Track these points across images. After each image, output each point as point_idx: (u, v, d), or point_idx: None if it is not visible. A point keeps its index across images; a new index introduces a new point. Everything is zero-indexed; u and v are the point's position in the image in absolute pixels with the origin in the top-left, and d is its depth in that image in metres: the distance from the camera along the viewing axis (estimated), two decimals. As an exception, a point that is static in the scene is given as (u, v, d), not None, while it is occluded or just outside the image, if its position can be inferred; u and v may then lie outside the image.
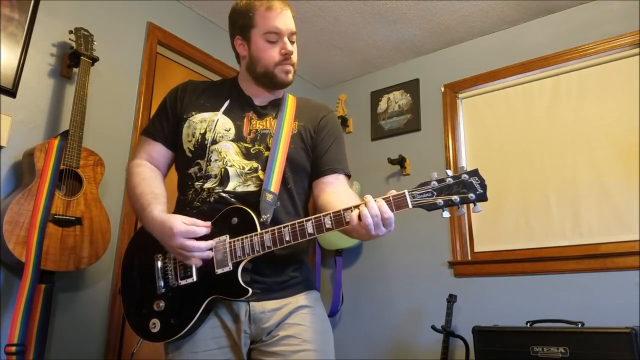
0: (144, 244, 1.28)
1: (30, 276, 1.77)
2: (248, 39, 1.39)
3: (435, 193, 1.11)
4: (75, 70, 2.18)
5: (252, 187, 1.32)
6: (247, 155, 1.35)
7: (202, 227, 1.22)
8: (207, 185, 1.32)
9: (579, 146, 2.72)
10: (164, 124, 1.43)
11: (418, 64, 3.44)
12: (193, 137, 1.37)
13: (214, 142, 1.34)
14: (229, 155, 1.34)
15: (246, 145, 1.35)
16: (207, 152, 1.34)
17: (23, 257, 1.78)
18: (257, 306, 1.26)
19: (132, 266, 1.35)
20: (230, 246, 1.22)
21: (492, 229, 2.92)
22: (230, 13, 1.45)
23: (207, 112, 1.39)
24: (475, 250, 2.97)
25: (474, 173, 1.11)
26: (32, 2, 2.11)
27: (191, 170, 1.36)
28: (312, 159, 1.42)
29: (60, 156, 1.92)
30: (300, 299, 1.32)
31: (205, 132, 1.35)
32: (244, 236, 1.21)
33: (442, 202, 1.10)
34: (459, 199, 1.10)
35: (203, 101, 1.42)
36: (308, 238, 1.17)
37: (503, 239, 2.87)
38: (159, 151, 1.43)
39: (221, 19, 2.95)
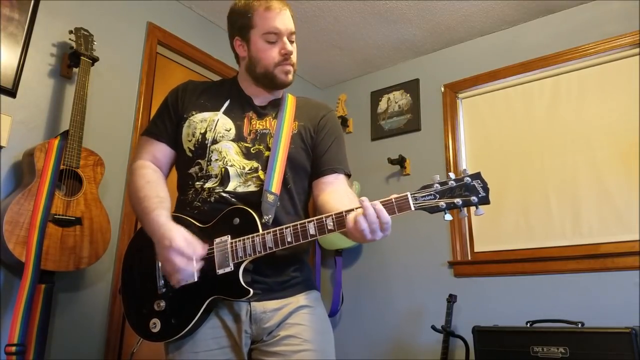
0: (145, 244, 1.28)
1: (30, 276, 1.77)
2: (247, 40, 1.39)
3: (437, 196, 1.11)
4: (75, 70, 2.18)
5: (252, 187, 1.31)
6: (247, 155, 1.34)
7: (199, 249, 1.20)
8: (208, 185, 1.32)
9: (579, 146, 2.72)
10: (166, 123, 1.42)
11: (418, 64, 3.44)
12: (193, 136, 1.37)
13: (215, 141, 1.34)
14: (229, 155, 1.33)
15: (246, 145, 1.35)
16: (208, 151, 1.34)
17: (23, 257, 1.78)
18: (258, 306, 1.26)
19: (133, 266, 1.35)
20: (231, 246, 1.22)
21: (492, 229, 2.92)
22: (229, 13, 1.44)
23: (207, 112, 1.39)
24: (475, 250, 2.97)
25: (477, 176, 1.11)
26: (32, 2, 2.11)
27: (191, 170, 1.36)
28: (312, 159, 1.42)
29: (60, 156, 1.92)
30: (301, 299, 1.32)
31: (205, 132, 1.35)
32: (246, 237, 1.21)
33: (445, 205, 1.10)
34: (461, 202, 1.10)
35: (203, 101, 1.42)
36: (310, 239, 1.17)
37: (503, 239, 2.87)
38: (162, 151, 1.42)
39: (221, 19, 2.95)
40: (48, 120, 2.13)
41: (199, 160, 1.35)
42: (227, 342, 1.26)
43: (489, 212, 3.06)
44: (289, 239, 1.17)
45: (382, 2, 2.85)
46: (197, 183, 1.34)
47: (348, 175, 1.45)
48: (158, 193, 1.31)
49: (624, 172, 2.56)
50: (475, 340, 2.36)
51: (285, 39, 1.37)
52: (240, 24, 1.40)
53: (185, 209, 1.33)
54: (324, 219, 1.15)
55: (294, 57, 1.40)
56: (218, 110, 1.39)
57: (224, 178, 1.32)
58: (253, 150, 1.35)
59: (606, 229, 2.56)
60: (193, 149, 1.36)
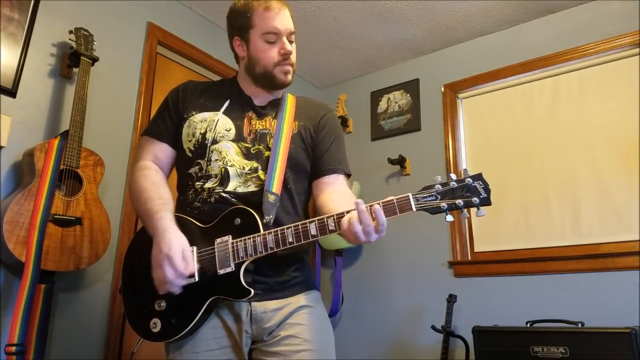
0: (146, 244, 1.28)
1: (30, 276, 1.77)
2: (247, 40, 1.39)
3: (439, 197, 1.11)
4: (75, 70, 2.18)
5: (252, 188, 1.31)
6: (247, 155, 1.34)
7: (190, 268, 1.19)
8: (207, 185, 1.32)
9: (579, 146, 2.72)
10: (167, 123, 1.42)
11: (418, 64, 3.44)
12: (193, 136, 1.37)
13: (214, 142, 1.34)
14: (229, 155, 1.33)
15: (246, 145, 1.35)
16: (208, 152, 1.34)
17: (23, 257, 1.78)
18: (259, 306, 1.26)
19: (133, 266, 1.35)
20: (232, 247, 1.22)
21: (492, 229, 2.92)
22: (228, 13, 1.44)
23: (207, 112, 1.39)
24: (475, 250, 2.97)
25: (478, 177, 1.11)
26: (32, 2, 2.11)
27: (191, 170, 1.36)
28: (312, 159, 1.42)
29: (60, 156, 1.92)
30: (301, 298, 1.32)
31: (205, 132, 1.35)
32: (247, 237, 1.21)
33: (446, 206, 1.10)
34: (462, 203, 1.10)
35: (203, 101, 1.42)
36: (311, 239, 1.17)
37: (503, 239, 2.87)
38: (164, 151, 1.41)
39: (221, 19, 2.94)
40: (48, 120, 2.13)
41: (199, 161, 1.35)
42: (228, 342, 1.26)
43: (489, 212, 3.02)
44: (290, 239, 1.17)
45: (382, 2, 2.85)
46: (197, 183, 1.34)
47: (348, 175, 1.45)
48: (161, 195, 1.30)
49: (624, 172, 2.56)
50: (475, 340, 2.36)
51: (284, 38, 1.36)
52: (239, 24, 1.39)
53: (186, 209, 1.33)
54: (325, 220, 1.15)
55: (293, 57, 1.40)
56: (218, 110, 1.39)
57: (224, 178, 1.32)
58: (253, 150, 1.35)
59: (606, 229, 2.56)
60: (193, 149, 1.36)
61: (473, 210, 1.12)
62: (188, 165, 1.37)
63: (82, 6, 2.34)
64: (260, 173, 1.33)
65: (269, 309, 1.27)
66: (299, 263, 1.36)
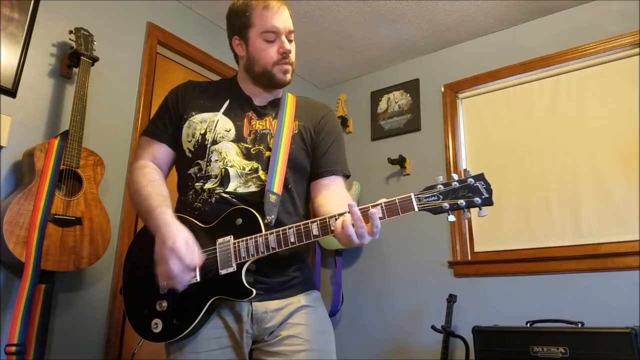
0: (147, 243, 1.28)
1: (30, 276, 1.76)
2: (246, 39, 1.39)
3: (441, 197, 1.11)
4: (75, 70, 2.18)
5: (253, 188, 1.31)
6: (247, 155, 1.34)
7: (197, 259, 1.19)
8: (208, 185, 1.32)
9: (579, 146, 2.72)
10: (166, 124, 1.42)
11: (418, 64, 3.44)
12: (193, 137, 1.37)
13: (214, 142, 1.34)
14: (229, 156, 1.33)
15: (246, 145, 1.35)
16: (208, 152, 1.34)
17: (23, 257, 1.78)
18: (260, 306, 1.26)
19: (134, 266, 1.35)
20: (234, 247, 1.22)
21: (492, 229, 2.92)
22: (227, 13, 1.44)
23: (207, 113, 1.39)
24: (475, 250, 2.97)
25: (480, 177, 1.11)
26: (32, 2, 2.11)
27: (191, 171, 1.36)
28: (312, 160, 1.42)
29: (60, 156, 1.92)
30: (302, 298, 1.32)
31: (205, 133, 1.35)
32: (249, 237, 1.21)
33: (448, 206, 1.11)
34: (464, 203, 1.10)
35: (203, 101, 1.42)
36: (313, 240, 1.17)
37: (503, 239, 2.87)
38: (162, 152, 1.41)
39: (221, 19, 2.93)
40: (48, 120, 2.13)
41: (199, 161, 1.35)
42: (229, 343, 1.26)
43: (489, 212, 3.03)
44: (292, 239, 1.17)
45: (382, 2, 2.85)
46: (197, 184, 1.34)
47: (347, 177, 1.45)
48: (160, 192, 1.31)
49: (624, 172, 2.56)
50: (475, 340, 2.36)
51: (283, 37, 1.36)
52: (238, 23, 1.39)
53: (186, 210, 1.33)
54: (327, 220, 1.15)
55: (292, 56, 1.40)
56: (218, 110, 1.39)
57: (224, 179, 1.32)
58: (253, 150, 1.35)
59: (606, 229, 2.56)
60: (193, 149, 1.36)
61: (474, 210, 1.12)
62: (188, 165, 1.37)
63: (82, 6, 2.34)
64: (261, 173, 1.33)
65: (270, 309, 1.27)
66: (300, 263, 1.36)
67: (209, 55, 2.95)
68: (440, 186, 1.12)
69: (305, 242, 1.17)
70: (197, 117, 1.38)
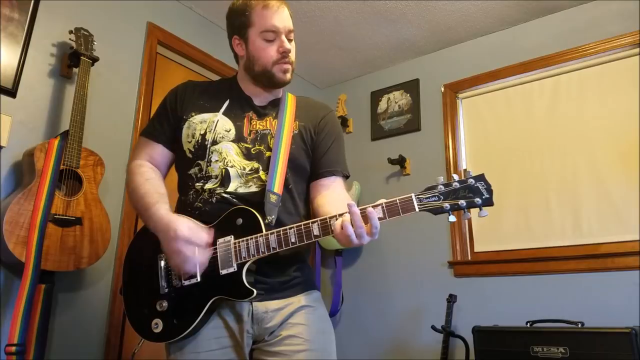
0: (147, 243, 1.28)
1: (30, 276, 1.76)
2: (245, 39, 1.39)
3: (441, 197, 1.11)
4: (75, 70, 2.18)
5: (254, 188, 1.32)
6: (247, 155, 1.34)
7: (205, 236, 1.21)
8: (208, 186, 1.32)
9: (579, 146, 2.72)
10: (164, 125, 1.42)
11: (418, 64, 3.44)
12: (193, 137, 1.37)
13: (215, 142, 1.34)
14: (229, 156, 1.33)
15: (247, 145, 1.35)
16: (208, 152, 1.34)
17: (23, 257, 1.78)
18: (260, 306, 1.26)
19: (134, 266, 1.35)
20: (235, 247, 1.22)
21: (492, 229, 2.92)
22: (227, 13, 1.45)
23: (207, 113, 1.39)
24: (475, 250, 2.97)
25: (480, 178, 1.12)
26: (32, 2, 2.11)
27: (191, 171, 1.36)
28: (312, 160, 1.42)
29: (60, 156, 1.92)
30: (302, 298, 1.32)
31: (205, 133, 1.35)
32: (249, 237, 1.21)
33: (449, 207, 1.11)
34: (465, 204, 1.11)
35: (203, 102, 1.42)
36: (314, 240, 1.17)
37: (503, 239, 2.87)
38: (159, 152, 1.42)
39: (221, 19, 2.93)
40: (48, 120, 2.13)
41: (199, 161, 1.35)
42: (229, 343, 1.26)
43: (489, 212, 3.04)
44: (292, 240, 1.17)
45: (382, 2, 2.85)
46: (197, 184, 1.34)
47: (346, 177, 1.45)
48: (157, 189, 1.31)
49: (624, 172, 2.56)
50: (475, 340, 2.36)
51: (283, 37, 1.36)
52: (238, 23, 1.39)
53: (187, 210, 1.33)
54: (328, 220, 1.16)
55: (292, 56, 1.40)
56: (217, 110, 1.39)
57: (225, 179, 1.32)
58: (253, 150, 1.35)
59: (606, 229, 2.56)
60: (193, 150, 1.36)
61: (475, 210, 1.12)
62: (188, 166, 1.37)
63: (82, 6, 2.34)
64: (262, 173, 1.33)
65: (271, 309, 1.27)
66: (300, 263, 1.36)
67: (209, 55, 2.95)
68: (441, 187, 1.12)
69: (305, 242, 1.17)
70: (197, 118, 1.38)
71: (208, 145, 1.34)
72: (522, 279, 2.70)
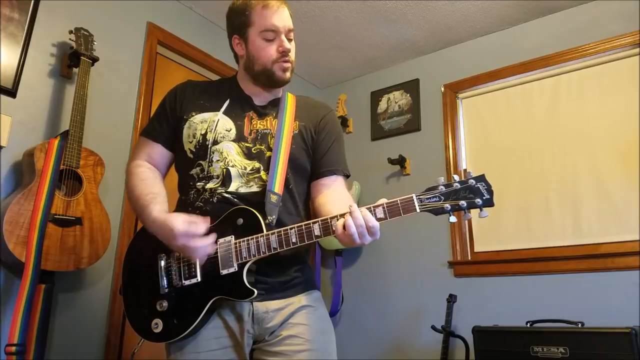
0: (146, 243, 1.28)
1: (30, 276, 1.76)
2: (245, 38, 1.39)
3: (442, 198, 1.12)
4: (75, 70, 2.18)
5: (255, 188, 1.32)
6: (248, 155, 1.34)
7: (202, 225, 1.20)
8: (209, 185, 1.32)
9: (579, 146, 2.72)
10: (163, 125, 1.42)
11: (418, 64, 3.44)
12: (194, 137, 1.36)
13: (215, 142, 1.34)
14: (230, 156, 1.33)
15: (247, 145, 1.35)
16: (209, 152, 1.34)
17: (23, 257, 1.78)
18: (261, 306, 1.26)
19: (134, 266, 1.35)
20: (235, 247, 1.22)
21: (492, 229, 2.92)
22: (227, 12, 1.45)
23: (207, 113, 1.39)
24: (475, 250, 2.97)
25: (481, 178, 1.12)
26: (32, 2, 2.11)
27: (193, 171, 1.36)
28: (312, 159, 1.42)
29: (60, 156, 1.92)
30: (303, 298, 1.32)
31: (206, 133, 1.35)
32: (250, 237, 1.21)
33: (450, 207, 1.11)
34: (466, 204, 1.11)
35: (203, 101, 1.42)
36: (315, 240, 1.17)
37: (503, 239, 2.87)
38: (158, 152, 1.42)
39: (221, 19, 2.93)
40: (48, 120, 2.13)
41: (200, 162, 1.35)
42: (229, 343, 1.26)
43: (489, 212, 3.04)
44: (293, 240, 1.17)
45: (382, 2, 2.85)
46: (199, 184, 1.34)
47: (347, 176, 1.45)
48: (151, 190, 1.31)
49: (624, 172, 2.56)
50: (475, 340, 2.36)
51: (283, 36, 1.36)
52: (238, 22, 1.40)
53: (187, 210, 1.33)
54: (329, 220, 1.16)
55: (292, 55, 1.40)
56: (218, 110, 1.39)
57: (226, 179, 1.32)
58: (254, 150, 1.35)
59: (606, 229, 2.56)
60: (194, 150, 1.36)
61: (475, 211, 1.12)
62: (189, 166, 1.37)
63: (82, 6, 2.34)
64: (262, 173, 1.33)
65: (271, 309, 1.27)
66: (301, 263, 1.36)
67: (209, 55, 2.95)
68: (442, 187, 1.13)
69: (307, 242, 1.17)
70: (197, 117, 1.38)
71: (209, 145, 1.34)
72: (522, 279, 2.70)
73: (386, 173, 3.36)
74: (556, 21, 2.91)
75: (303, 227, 1.17)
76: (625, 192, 2.54)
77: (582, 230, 2.62)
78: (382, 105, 3.52)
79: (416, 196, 1.12)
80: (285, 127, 1.38)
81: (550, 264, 2.62)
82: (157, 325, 1.24)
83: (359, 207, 1.13)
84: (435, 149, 3.18)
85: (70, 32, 2.14)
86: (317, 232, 1.16)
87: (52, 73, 2.17)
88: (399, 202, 1.12)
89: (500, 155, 2.98)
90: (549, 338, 2.15)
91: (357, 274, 3.33)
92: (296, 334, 1.26)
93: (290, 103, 1.45)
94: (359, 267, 3.34)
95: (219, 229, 1.26)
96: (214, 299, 1.21)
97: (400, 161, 3.24)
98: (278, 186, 1.30)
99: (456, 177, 1.13)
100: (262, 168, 1.33)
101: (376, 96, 3.57)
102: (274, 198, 1.28)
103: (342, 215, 1.14)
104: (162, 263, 1.28)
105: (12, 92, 2.01)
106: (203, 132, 1.35)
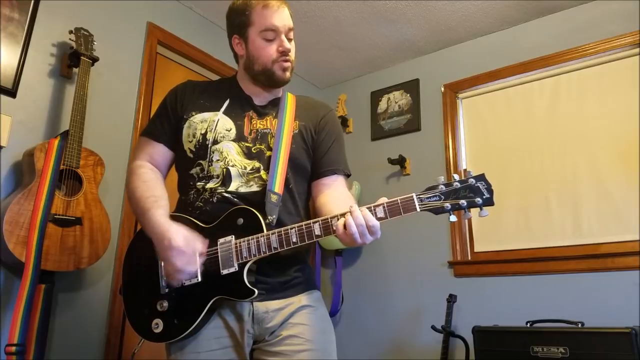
0: (147, 243, 1.28)
1: (30, 276, 1.76)
2: (245, 38, 1.39)
3: (442, 197, 1.12)
4: (75, 70, 2.18)
5: (255, 188, 1.32)
6: (248, 155, 1.34)
7: (200, 246, 1.20)
8: (209, 185, 1.32)
9: (579, 146, 2.72)
10: (165, 125, 1.42)
11: (418, 64, 3.44)
12: (194, 137, 1.36)
13: (215, 142, 1.34)
14: (230, 155, 1.33)
15: (247, 145, 1.35)
16: (209, 152, 1.34)
17: (23, 257, 1.78)
18: (261, 306, 1.26)
19: (134, 266, 1.35)
20: (236, 247, 1.22)
21: (492, 229, 2.92)
22: (227, 12, 1.45)
23: (207, 112, 1.39)
24: (475, 250, 2.97)
25: (481, 177, 1.12)
26: (32, 2, 2.11)
27: (193, 171, 1.36)
28: (313, 159, 1.42)
29: (60, 156, 1.92)
30: (303, 298, 1.32)
31: (206, 133, 1.35)
32: (250, 237, 1.21)
33: (450, 206, 1.12)
34: (466, 203, 1.11)
35: (203, 101, 1.42)
36: (315, 239, 1.17)
37: (503, 239, 2.87)
38: (160, 152, 1.42)
39: (221, 19, 2.93)
40: (48, 120, 2.13)
41: (200, 161, 1.35)
42: (230, 342, 1.26)
43: (489, 212, 3.03)
44: (294, 239, 1.18)
45: (382, 2, 2.85)
46: (199, 184, 1.34)
47: (347, 176, 1.45)
48: (153, 192, 1.31)
49: (624, 172, 2.56)
50: (475, 340, 2.36)
51: (283, 36, 1.36)
52: (238, 22, 1.40)
53: (187, 209, 1.33)
54: (329, 220, 1.16)
55: (292, 55, 1.40)
56: (218, 110, 1.39)
57: (226, 178, 1.32)
58: (254, 150, 1.35)
59: (606, 229, 2.56)
60: (194, 149, 1.36)
61: (475, 210, 1.12)
62: (189, 165, 1.37)
63: (82, 6, 2.34)
64: (263, 173, 1.33)
65: (271, 308, 1.27)
66: (301, 263, 1.37)
67: (209, 55, 2.95)
68: (442, 186, 1.13)
69: (307, 242, 1.17)
70: (198, 117, 1.38)
71: (209, 145, 1.34)
72: (522, 279, 2.70)
73: (386, 173, 3.36)
74: (556, 21, 2.91)
75: (303, 226, 1.17)
76: (625, 192, 2.54)
77: (582, 230, 2.62)
78: (382, 105, 3.52)
79: (416, 195, 1.12)
80: (285, 127, 1.38)
81: (550, 264, 2.62)
82: (158, 325, 1.24)
83: (359, 207, 1.13)
84: (435, 149, 3.18)
85: (70, 32, 2.14)
86: (317, 231, 1.16)
87: (52, 73, 2.17)
88: (399, 201, 1.12)
89: (500, 155, 2.98)
90: (549, 338, 2.15)
91: (357, 274, 3.33)
92: (296, 334, 1.26)
93: (290, 103, 1.45)
94: (359, 267, 3.34)
95: (219, 228, 1.26)
96: (214, 298, 1.21)
97: (400, 161, 3.24)
98: (278, 186, 1.30)
99: (456, 177, 1.13)
100: (262, 168, 1.33)
101: (376, 96, 3.57)
102: (274, 198, 1.29)
103: (343, 215, 1.14)
104: (163, 263, 1.28)
105: (12, 92, 2.01)
106: (203, 131, 1.35)
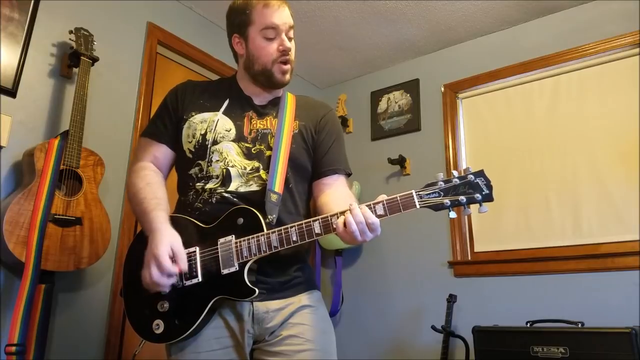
0: (146, 244, 1.28)
1: (30, 276, 1.76)
2: (245, 37, 1.39)
3: (442, 193, 1.12)
4: (75, 70, 2.18)
5: (254, 187, 1.32)
6: (248, 155, 1.34)
7: (176, 269, 1.19)
8: (209, 185, 1.32)
9: (579, 146, 2.72)
10: (166, 124, 1.42)
11: (418, 64, 3.44)
12: (193, 137, 1.36)
13: (215, 142, 1.34)
14: (230, 156, 1.33)
15: (247, 145, 1.35)
16: (208, 152, 1.34)
17: (23, 257, 1.78)
18: (261, 306, 1.26)
19: (134, 267, 1.34)
20: (236, 246, 1.22)
21: (492, 229, 2.92)
22: (227, 12, 1.45)
23: (207, 112, 1.39)
24: (475, 250, 2.97)
25: (480, 174, 1.13)
26: (32, 2, 2.11)
27: (192, 171, 1.36)
28: (313, 159, 1.42)
29: (60, 156, 1.92)
30: (303, 298, 1.32)
31: (205, 133, 1.35)
32: (250, 236, 1.21)
33: (449, 203, 1.12)
34: (465, 200, 1.11)
35: (203, 101, 1.42)
36: (315, 238, 1.17)
37: (503, 239, 2.87)
38: (163, 152, 1.41)
39: (221, 19, 2.93)
40: (48, 120, 2.13)
41: (200, 162, 1.35)
42: (230, 342, 1.26)
43: (489, 211, 3.02)
44: (294, 238, 1.18)
45: (382, 2, 2.85)
46: (198, 184, 1.34)
47: (348, 175, 1.45)
48: (156, 194, 1.31)
49: (624, 172, 2.56)
50: (475, 340, 2.36)
51: (283, 35, 1.36)
52: (238, 21, 1.40)
53: (186, 210, 1.33)
54: (329, 218, 1.16)
55: (292, 54, 1.40)
56: (218, 110, 1.39)
57: (225, 179, 1.32)
58: (254, 150, 1.35)
59: (606, 229, 2.56)
60: (193, 150, 1.36)
61: (475, 206, 1.13)
62: (188, 166, 1.37)
63: (82, 6, 2.34)
64: (262, 173, 1.33)
65: (271, 308, 1.27)
66: (301, 263, 1.36)
67: (209, 55, 2.95)
68: (441, 183, 1.13)
69: (307, 240, 1.17)
70: (197, 117, 1.38)
71: (209, 145, 1.34)
72: (522, 279, 2.70)
73: (386, 173, 3.36)
74: (556, 21, 2.91)
75: (304, 225, 1.17)
76: (625, 192, 2.54)
77: (582, 230, 2.63)
78: (382, 105, 3.52)
79: (415, 192, 1.12)
80: (285, 127, 1.38)
81: (550, 264, 2.62)
82: (159, 326, 1.24)
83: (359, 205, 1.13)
84: (435, 149, 3.18)
85: (70, 32, 2.14)
86: (317, 230, 1.16)
87: (52, 73, 2.17)
88: (398, 198, 1.12)
89: (500, 155, 2.98)
90: (549, 338, 2.15)
91: (357, 274, 3.33)
92: (296, 333, 1.26)
93: (290, 103, 1.45)
94: (359, 267, 3.34)
95: (219, 228, 1.26)
96: (215, 298, 1.21)
97: (400, 161, 3.24)
98: (278, 185, 1.30)
99: (455, 173, 1.14)
100: (261, 167, 1.33)
101: (376, 96, 3.57)
102: (274, 197, 1.29)
103: (343, 213, 1.14)
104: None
105: (12, 92, 2.01)
106: (203, 132, 1.35)
